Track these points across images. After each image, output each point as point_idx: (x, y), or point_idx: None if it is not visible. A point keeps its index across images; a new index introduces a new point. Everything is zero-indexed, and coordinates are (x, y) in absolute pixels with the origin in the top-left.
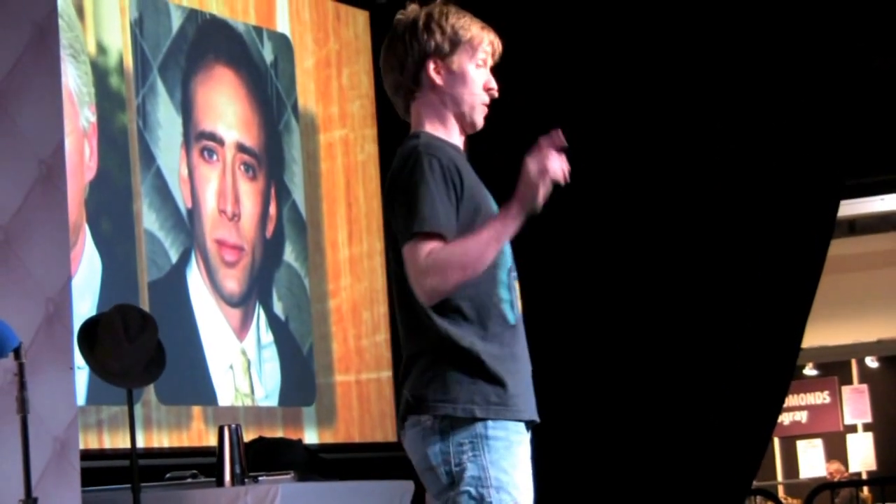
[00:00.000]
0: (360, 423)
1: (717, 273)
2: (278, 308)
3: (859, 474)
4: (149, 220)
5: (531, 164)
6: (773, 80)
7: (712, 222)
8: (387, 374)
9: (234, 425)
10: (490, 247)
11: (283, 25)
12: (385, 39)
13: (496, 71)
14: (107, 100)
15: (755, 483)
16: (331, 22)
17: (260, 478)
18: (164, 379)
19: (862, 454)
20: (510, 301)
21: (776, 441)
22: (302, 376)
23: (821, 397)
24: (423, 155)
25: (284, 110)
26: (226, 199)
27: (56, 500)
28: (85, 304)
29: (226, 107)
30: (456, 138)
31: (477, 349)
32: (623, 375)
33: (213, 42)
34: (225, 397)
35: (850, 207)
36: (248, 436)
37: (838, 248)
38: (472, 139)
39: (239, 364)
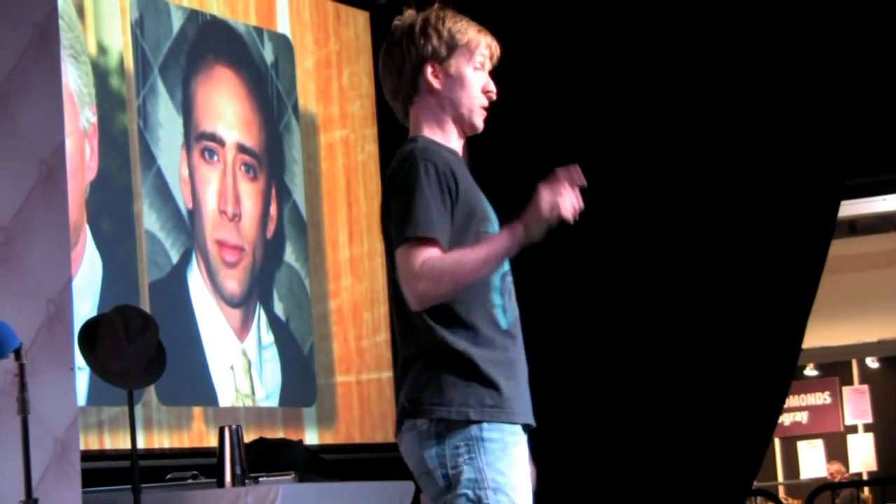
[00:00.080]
0: (361, 424)
1: (717, 274)
2: (279, 308)
3: (860, 475)
4: (149, 220)
5: (545, 195)
6: (774, 83)
7: (712, 223)
8: (387, 374)
9: (234, 426)
10: (486, 264)
11: (283, 26)
12: (383, 45)
13: (495, 74)
14: (107, 100)
15: (756, 483)
16: (331, 22)
17: (260, 478)
18: (164, 379)
19: (862, 455)
20: (502, 306)
21: (777, 441)
22: (302, 377)
23: (821, 398)
24: (420, 159)
25: (285, 111)
26: (226, 199)
27: (56, 500)
28: (85, 304)
29: (226, 107)
30: (454, 142)
31: (470, 353)
32: (623, 376)
33: (213, 42)
34: (225, 398)
35: (851, 208)
36: (249, 436)
37: (839, 248)
38: (472, 141)
39: (239, 364)
